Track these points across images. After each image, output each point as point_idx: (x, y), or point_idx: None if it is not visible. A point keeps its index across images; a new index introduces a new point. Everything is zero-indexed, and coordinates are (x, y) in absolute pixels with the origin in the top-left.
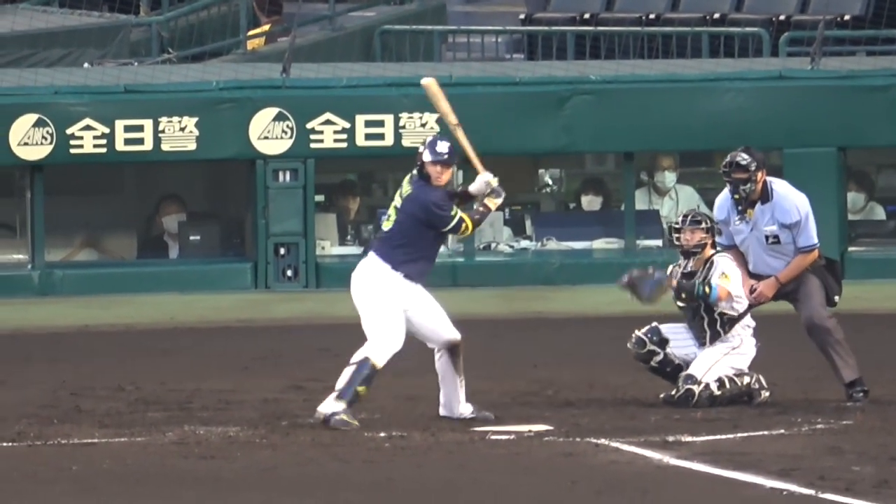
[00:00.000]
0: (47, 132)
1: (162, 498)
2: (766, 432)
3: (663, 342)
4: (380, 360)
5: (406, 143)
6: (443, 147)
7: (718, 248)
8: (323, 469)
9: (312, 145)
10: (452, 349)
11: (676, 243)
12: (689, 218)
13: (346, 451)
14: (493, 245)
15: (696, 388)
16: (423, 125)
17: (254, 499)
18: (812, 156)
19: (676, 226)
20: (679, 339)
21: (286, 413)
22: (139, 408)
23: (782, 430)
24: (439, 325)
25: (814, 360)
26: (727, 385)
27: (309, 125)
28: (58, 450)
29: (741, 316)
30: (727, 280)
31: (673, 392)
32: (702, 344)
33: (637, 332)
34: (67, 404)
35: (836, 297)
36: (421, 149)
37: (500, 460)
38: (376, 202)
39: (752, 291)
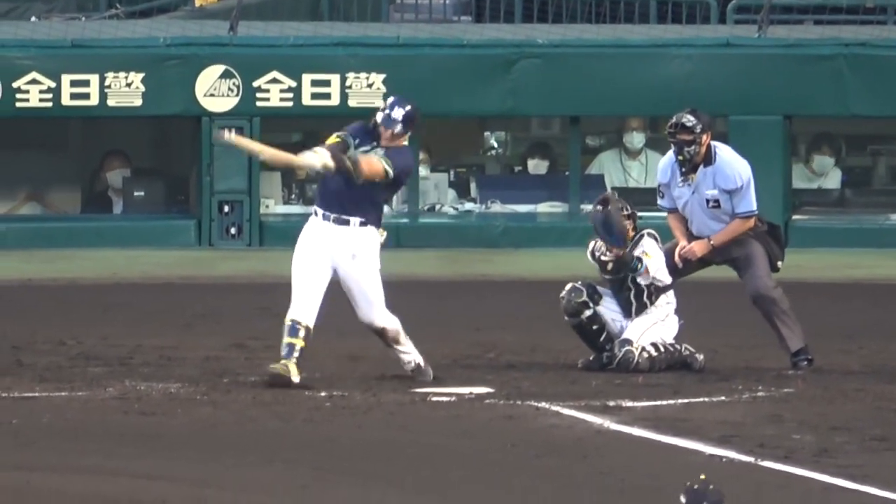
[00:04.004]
0: None
1: (102, 453)
2: (706, 399)
3: (597, 297)
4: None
5: (352, 103)
6: (397, 113)
7: (646, 231)
8: (263, 427)
9: (258, 104)
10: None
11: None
12: None
13: (286, 409)
14: (437, 207)
15: (636, 351)
16: (370, 85)
17: (193, 456)
18: (757, 123)
19: None
20: (609, 301)
21: (227, 371)
22: (80, 362)
23: (723, 398)
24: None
25: (755, 328)
26: (662, 350)
27: (255, 83)
28: None
29: (665, 289)
30: (647, 258)
31: (605, 358)
32: (627, 315)
33: (572, 283)
34: (8, 358)
35: (780, 263)
36: (382, 105)
37: (441, 422)
38: None
39: (682, 249)
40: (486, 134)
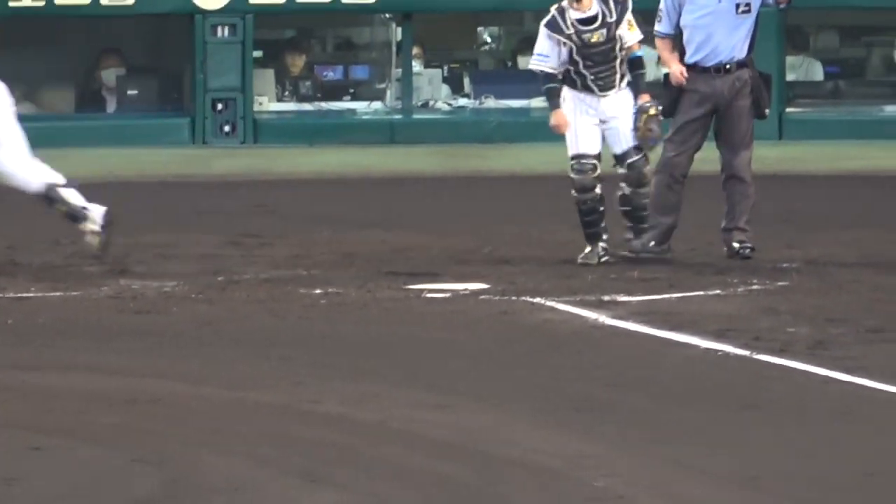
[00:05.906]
0: None
1: (97, 352)
2: (702, 293)
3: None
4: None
5: None
6: None
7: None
8: (258, 324)
9: (252, 1)
10: None
11: None
12: None
13: (281, 306)
14: (430, 103)
15: (649, 165)
16: None
17: (189, 353)
18: None
19: None
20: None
21: (222, 269)
22: (75, 262)
23: (718, 291)
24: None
25: (752, 223)
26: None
27: None
28: None
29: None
30: (633, 29)
31: (602, 249)
32: (608, 87)
33: (578, 157)
34: (2, 258)
35: (767, 111)
36: None
37: (436, 318)
38: (315, 59)
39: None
40: (480, 29)
